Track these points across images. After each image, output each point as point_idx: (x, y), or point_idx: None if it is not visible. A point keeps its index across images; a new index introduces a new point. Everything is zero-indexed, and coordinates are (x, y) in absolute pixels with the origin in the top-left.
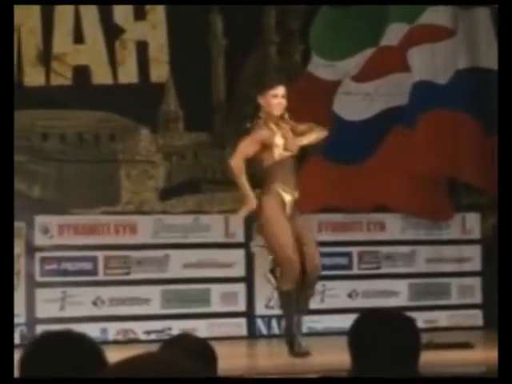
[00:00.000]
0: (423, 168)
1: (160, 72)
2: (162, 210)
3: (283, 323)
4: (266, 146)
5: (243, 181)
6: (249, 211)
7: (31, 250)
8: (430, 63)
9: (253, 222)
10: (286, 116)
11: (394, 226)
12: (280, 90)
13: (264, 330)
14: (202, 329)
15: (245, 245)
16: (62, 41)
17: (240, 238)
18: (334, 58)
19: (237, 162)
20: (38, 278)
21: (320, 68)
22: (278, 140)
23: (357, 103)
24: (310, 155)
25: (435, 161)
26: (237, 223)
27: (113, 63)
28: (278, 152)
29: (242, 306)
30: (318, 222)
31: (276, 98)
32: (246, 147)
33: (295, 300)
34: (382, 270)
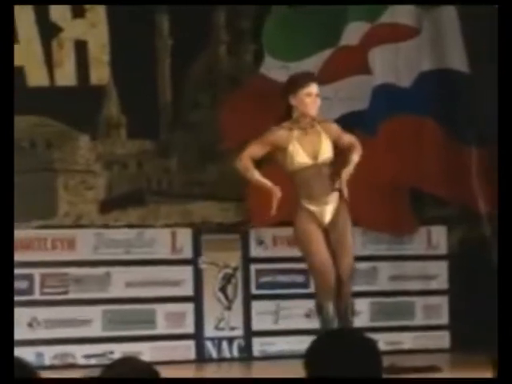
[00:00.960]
0: (384, 178)
1: (100, 74)
2: (103, 223)
3: (236, 345)
4: (280, 150)
5: (255, 176)
6: (277, 201)
7: None
8: (393, 65)
9: (201, 236)
10: (322, 118)
11: (354, 240)
12: (314, 88)
13: (214, 353)
14: (146, 352)
15: (193, 261)
16: None
17: (188, 253)
18: (288, 58)
19: (242, 162)
20: None
21: (273, 69)
22: (293, 146)
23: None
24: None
25: (397, 170)
26: (184, 238)
27: (49, 64)
28: (295, 160)
29: (190, 328)
30: (273, 237)
31: (310, 97)
32: (254, 147)
33: (334, 316)
34: None
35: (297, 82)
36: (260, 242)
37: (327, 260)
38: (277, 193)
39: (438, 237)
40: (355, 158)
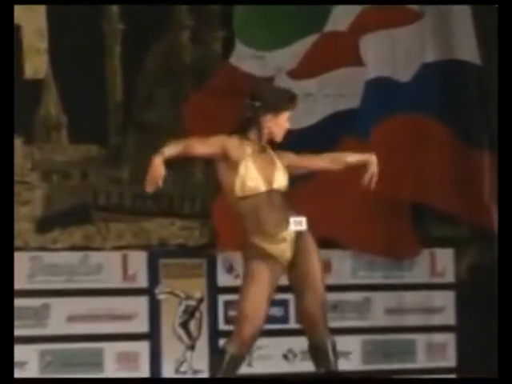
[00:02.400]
0: (380, 191)
1: (37, 65)
2: (40, 245)
3: None
4: (228, 163)
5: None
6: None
7: None
8: (389, 55)
9: (158, 260)
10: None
11: (343, 266)
12: (286, 117)
13: None
14: None
15: (149, 291)
16: None
17: (142, 281)
18: (264, 47)
19: (168, 148)
20: None
21: (246, 60)
22: (245, 165)
23: None
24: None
25: (394, 181)
26: (138, 262)
27: None
28: (246, 183)
29: (144, 371)
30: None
31: (286, 123)
32: (196, 143)
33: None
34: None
35: (283, 103)
36: (229, 269)
37: (258, 309)
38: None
39: (444, 262)
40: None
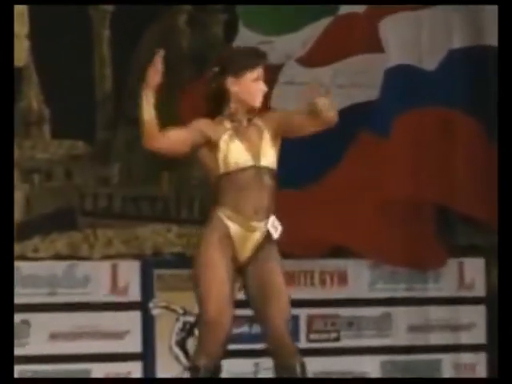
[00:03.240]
0: (400, 193)
1: (16, 52)
2: (20, 253)
3: None
4: (209, 146)
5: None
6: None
7: None
8: (413, 40)
9: (153, 271)
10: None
11: (359, 277)
12: (262, 72)
13: None
14: None
15: (142, 305)
16: None
17: (135, 294)
18: (271, 31)
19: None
20: None
21: (251, 45)
22: (227, 141)
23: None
24: None
25: (417, 182)
26: (130, 273)
27: None
28: (230, 158)
29: None
30: None
31: (257, 83)
32: (177, 131)
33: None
34: (343, 343)
35: (242, 62)
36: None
37: (225, 308)
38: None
39: (474, 273)
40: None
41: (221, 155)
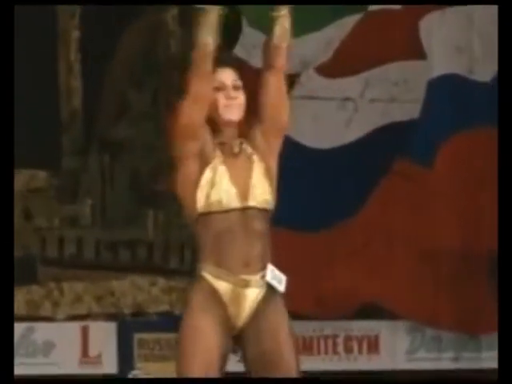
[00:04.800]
0: (447, 240)
1: None
2: None
3: None
4: (201, 165)
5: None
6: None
7: None
8: (463, 43)
9: (133, 335)
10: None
11: (395, 343)
12: (227, 75)
13: None
14: None
15: (119, 379)
16: None
17: (110, 365)
18: None
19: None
20: None
21: (258, 50)
22: (211, 171)
23: (326, 117)
24: None
25: (467, 228)
26: (103, 338)
27: None
28: (215, 195)
29: None
30: None
31: (224, 91)
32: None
33: None
34: None
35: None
36: (233, 349)
37: None
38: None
39: None
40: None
41: (202, 188)
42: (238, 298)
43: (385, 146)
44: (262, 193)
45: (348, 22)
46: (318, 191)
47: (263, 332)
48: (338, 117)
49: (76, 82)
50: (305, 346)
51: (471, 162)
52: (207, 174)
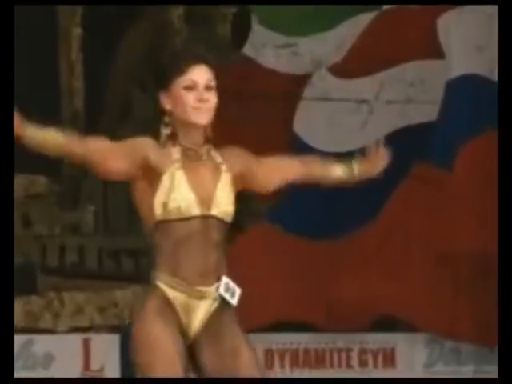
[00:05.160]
0: (467, 246)
1: None
2: None
3: None
4: (150, 178)
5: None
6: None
7: None
8: (483, 42)
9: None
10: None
11: (413, 356)
12: (201, 74)
13: None
14: None
15: None
16: None
17: (113, 376)
18: (294, 30)
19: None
20: None
21: (268, 49)
22: (168, 178)
23: (340, 119)
24: (252, 222)
25: (489, 231)
26: (106, 350)
27: None
28: (172, 201)
29: None
30: (265, 350)
31: (193, 91)
32: (111, 149)
33: None
34: None
35: (167, 66)
36: None
37: None
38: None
39: None
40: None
41: (160, 195)
42: (190, 309)
43: (402, 149)
44: (226, 203)
45: (362, 21)
46: (333, 197)
47: (219, 346)
48: (353, 119)
49: (78, 82)
50: (317, 360)
51: (491, 165)
52: (164, 180)
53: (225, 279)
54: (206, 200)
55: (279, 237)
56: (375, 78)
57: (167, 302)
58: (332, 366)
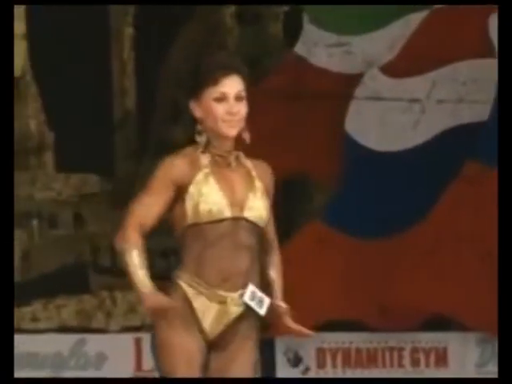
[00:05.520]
0: None
1: (19, 61)
2: (14, 324)
3: None
4: (183, 190)
5: (135, 265)
6: (153, 313)
7: None
8: None
9: None
10: (247, 138)
11: (466, 355)
12: (232, 85)
13: None
14: None
15: None
16: None
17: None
18: (346, 29)
19: (128, 235)
20: None
21: (319, 48)
22: (197, 184)
23: (392, 119)
24: (306, 222)
25: None
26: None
27: None
28: (202, 204)
29: None
30: (317, 349)
31: (224, 103)
32: (144, 205)
33: None
34: None
35: (198, 77)
36: (294, 360)
37: None
38: (150, 302)
39: None
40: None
41: (190, 200)
42: (212, 313)
43: (453, 149)
44: (259, 208)
45: (413, 20)
46: (385, 196)
47: (230, 343)
48: (405, 118)
49: (129, 81)
50: (369, 359)
51: None
52: (195, 185)
53: (251, 287)
54: (237, 202)
55: (333, 236)
56: (427, 77)
57: (188, 302)
58: (384, 365)
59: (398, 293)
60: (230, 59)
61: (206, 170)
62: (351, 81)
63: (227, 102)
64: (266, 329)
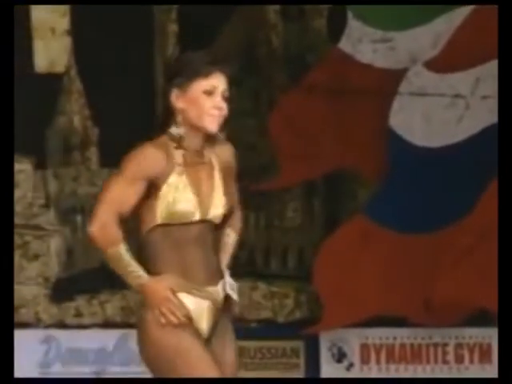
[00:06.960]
0: None
1: (53, 53)
2: (57, 320)
3: None
4: (153, 189)
5: (128, 260)
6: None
7: None
8: None
9: None
10: (221, 136)
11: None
12: (222, 82)
13: None
14: None
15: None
16: None
17: None
18: (390, 25)
19: (101, 229)
20: None
21: (363, 44)
22: (171, 183)
23: (436, 114)
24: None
25: None
26: None
27: None
28: (176, 208)
29: None
30: (361, 345)
31: (212, 97)
32: (118, 193)
33: None
34: None
35: (189, 68)
36: (339, 356)
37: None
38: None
39: None
40: (233, 238)
41: (162, 199)
42: (201, 311)
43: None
44: (218, 206)
45: (457, 15)
46: (428, 191)
47: (219, 337)
48: (449, 114)
49: None
50: (413, 355)
51: None
52: (167, 185)
53: (228, 278)
54: (205, 204)
55: (377, 231)
56: (471, 73)
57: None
58: (428, 361)
59: (442, 288)
60: (223, 56)
61: (180, 169)
62: (395, 77)
63: (215, 96)
64: (314, 324)
